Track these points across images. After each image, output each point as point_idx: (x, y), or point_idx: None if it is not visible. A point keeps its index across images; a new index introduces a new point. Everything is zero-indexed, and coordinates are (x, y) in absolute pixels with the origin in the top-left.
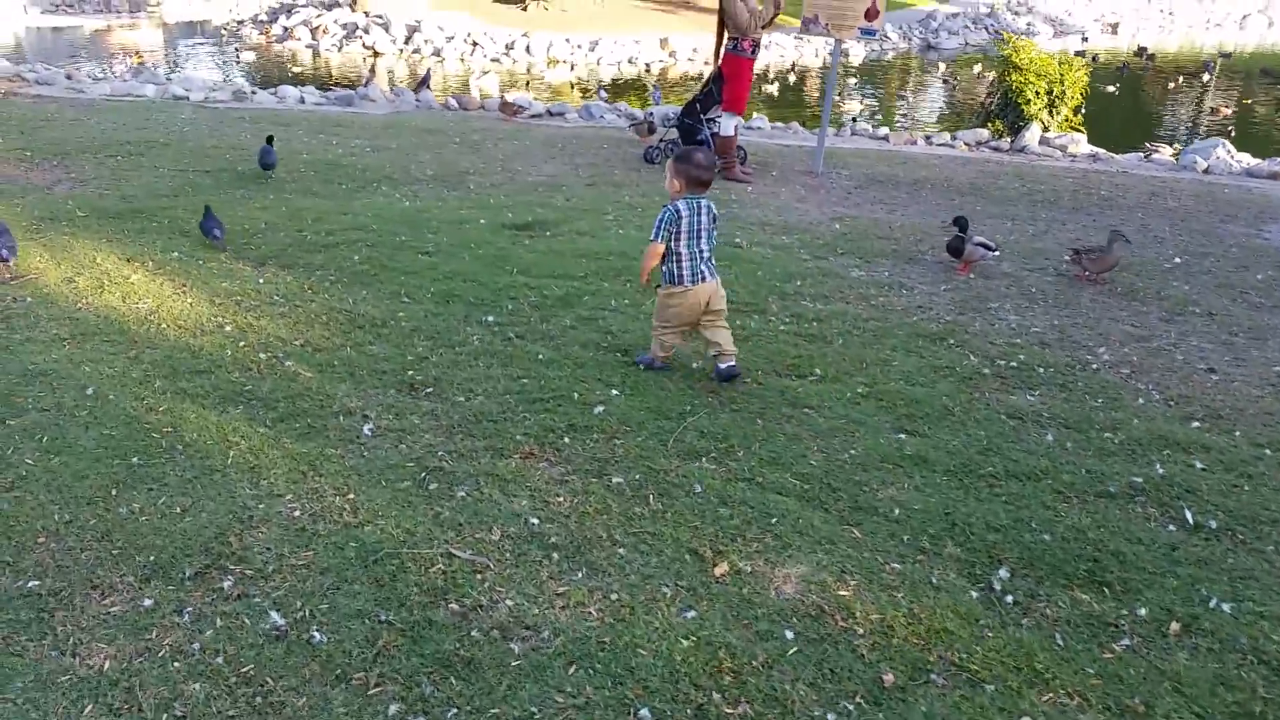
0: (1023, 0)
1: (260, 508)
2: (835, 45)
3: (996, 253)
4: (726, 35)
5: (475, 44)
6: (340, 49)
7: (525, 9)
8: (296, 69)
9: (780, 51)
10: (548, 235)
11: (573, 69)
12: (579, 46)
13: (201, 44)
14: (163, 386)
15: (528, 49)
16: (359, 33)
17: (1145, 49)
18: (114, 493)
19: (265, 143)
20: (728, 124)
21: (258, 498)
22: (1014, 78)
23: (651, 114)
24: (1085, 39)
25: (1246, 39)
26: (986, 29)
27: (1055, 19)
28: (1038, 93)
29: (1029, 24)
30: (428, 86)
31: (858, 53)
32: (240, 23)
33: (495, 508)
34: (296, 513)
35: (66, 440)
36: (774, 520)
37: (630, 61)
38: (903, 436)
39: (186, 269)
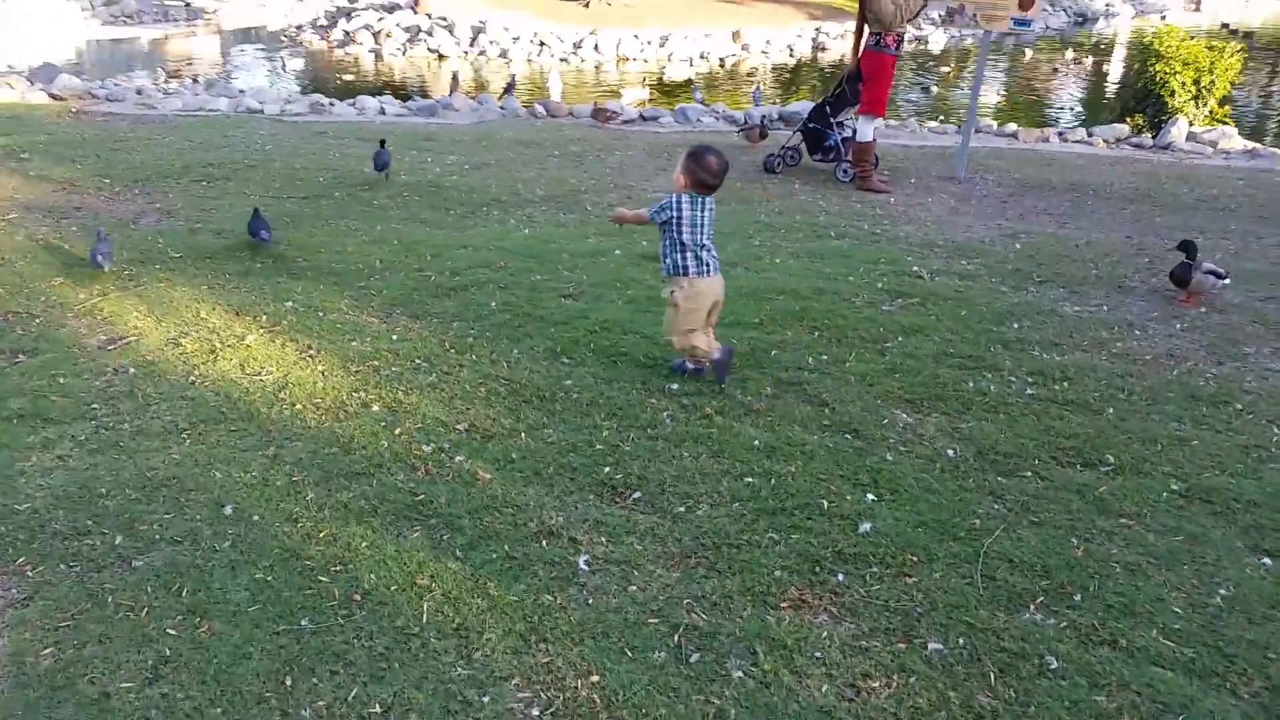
0: None
1: (485, 701)
2: (984, 38)
3: (1227, 281)
4: (867, 30)
5: (542, 44)
6: (404, 53)
7: (587, 5)
8: (349, 75)
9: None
10: None
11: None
12: (648, 42)
13: (256, 50)
14: (316, 499)
15: (596, 47)
16: (422, 36)
17: (1228, 24)
18: (288, 682)
19: (379, 145)
20: (866, 128)
21: (477, 683)
22: (1158, 67)
23: (761, 116)
24: (1164, 17)
25: None
26: (1065, 11)
27: None
28: (1184, 84)
29: (1108, 4)
30: (512, 94)
31: (938, 39)
32: (299, 28)
33: (791, 698)
34: (535, 711)
35: (212, 592)
36: (1177, 716)
37: (702, 56)
38: (1268, 562)
39: (306, 323)
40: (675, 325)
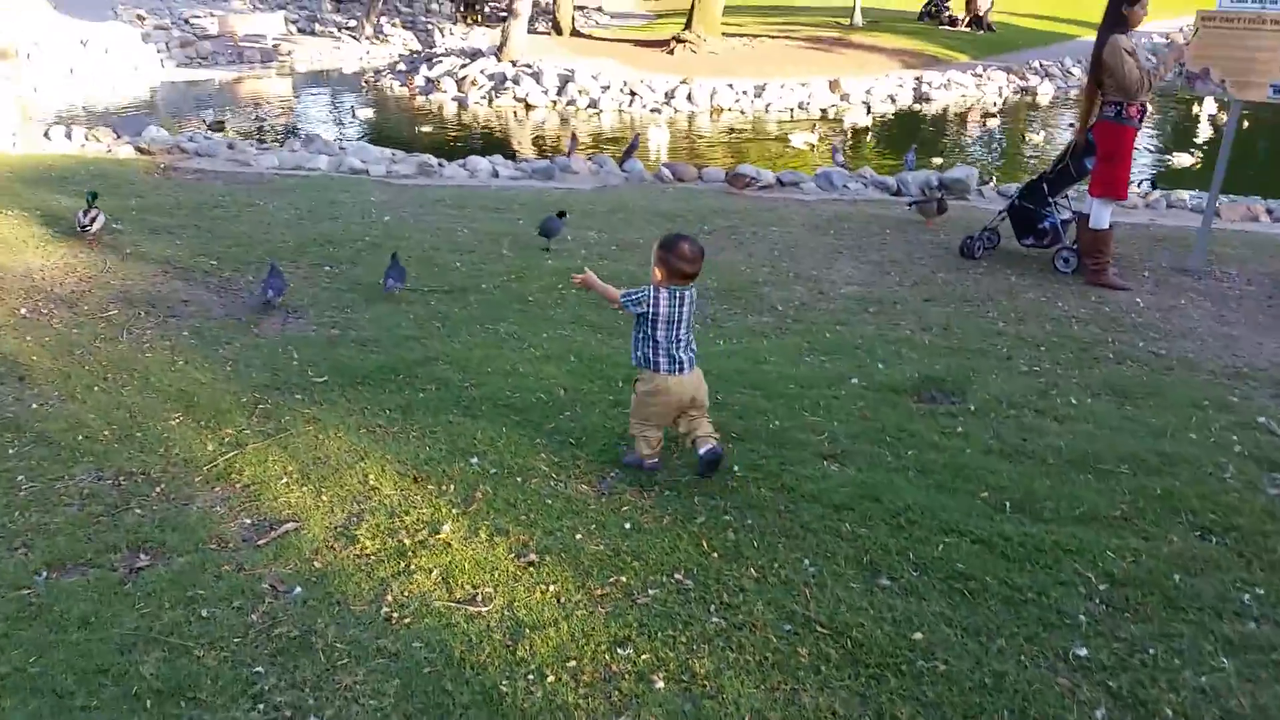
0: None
1: None
2: (1234, 107)
3: None
4: (1101, 97)
5: (633, 93)
6: (490, 101)
7: (671, 52)
8: (427, 126)
9: (960, 90)
10: (963, 407)
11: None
12: (744, 92)
13: (327, 94)
14: None
15: (689, 96)
16: (508, 84)
17: None
18: None
19: (556, 215)
20: (1102, 213)
21: None
22: None
23: (932, 184)
24: None
25: None
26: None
27: None
28: None
29: None
30: (634, 155)
31: (1046, 91)
32: (377, 73)
33: None
34: None
35: None
36: None
37: (801, 107)
38: None
39: (507, 498)
40: (633, 408)
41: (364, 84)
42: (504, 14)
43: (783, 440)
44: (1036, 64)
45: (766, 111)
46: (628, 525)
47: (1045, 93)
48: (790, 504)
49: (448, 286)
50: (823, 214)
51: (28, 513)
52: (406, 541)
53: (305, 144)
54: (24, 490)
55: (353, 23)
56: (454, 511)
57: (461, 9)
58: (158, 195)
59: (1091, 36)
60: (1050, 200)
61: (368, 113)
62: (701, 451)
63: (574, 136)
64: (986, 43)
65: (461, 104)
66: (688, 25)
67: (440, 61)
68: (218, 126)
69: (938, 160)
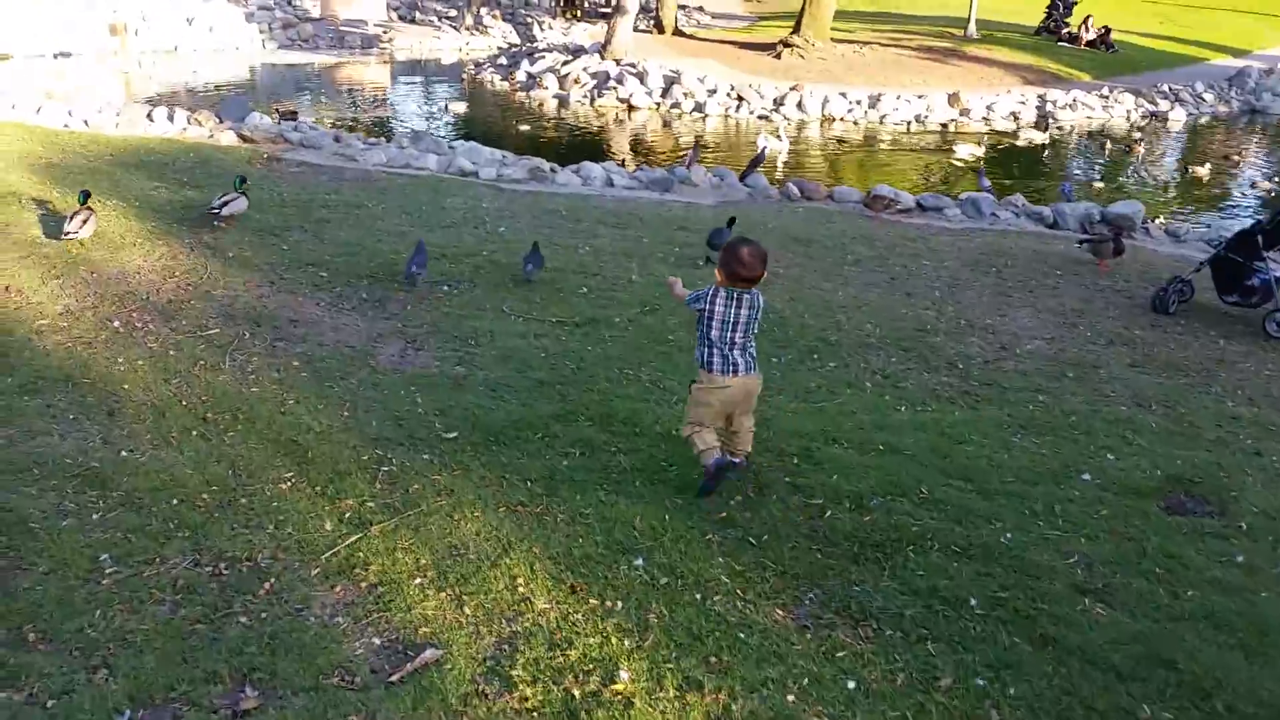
0: None
1: None
2: None
3: None
4: None
5: (740, 98)
6: (592, 101)
7: (779, 56)
8: (526, 124)
9: (1086, 111)
10: (1230, 525)
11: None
12: (857, 102)
13: (425, 84)
14: None
15: (799, 104)
16: (611, 83)
17: None
18: None
19: (726, 225)
20: None
21: None
22: None
23: (1103, 222)
24: None
25: None
26: None
27: None
28: None
29: None
30: (759, 168)
31: (1178, 117)
32: (477, 65)
33: None
34: None
35: None
36: None
37: (919, 120)
38: None
39: (694, 628)
40: (689, 407)
41: (463, 76)
42: (605, 10)
43: (1023, 563)
44: (1165, 87)
45: (881, 123)
46: (851, 684)
47: (1177, 119)
48: (1057, 664)
49: (577, 318)
50: (977, 247)
51: (110, 612)
52: (576, 692)
53: (414, 141)
54: (108, 576)
55: (453, 12)
56: (627, 645)
57: (561, 4)
58: (261, 190)
59: (1218, 59)
60: (1263, 255)
61: (463, 107)
62: (729, 458)
63: (696, 145)
64: (1107, 63)
65: (563, 102)
66: (796, 29)
67: (542, 57)
68: (289, 115)
69: (1092, 188)
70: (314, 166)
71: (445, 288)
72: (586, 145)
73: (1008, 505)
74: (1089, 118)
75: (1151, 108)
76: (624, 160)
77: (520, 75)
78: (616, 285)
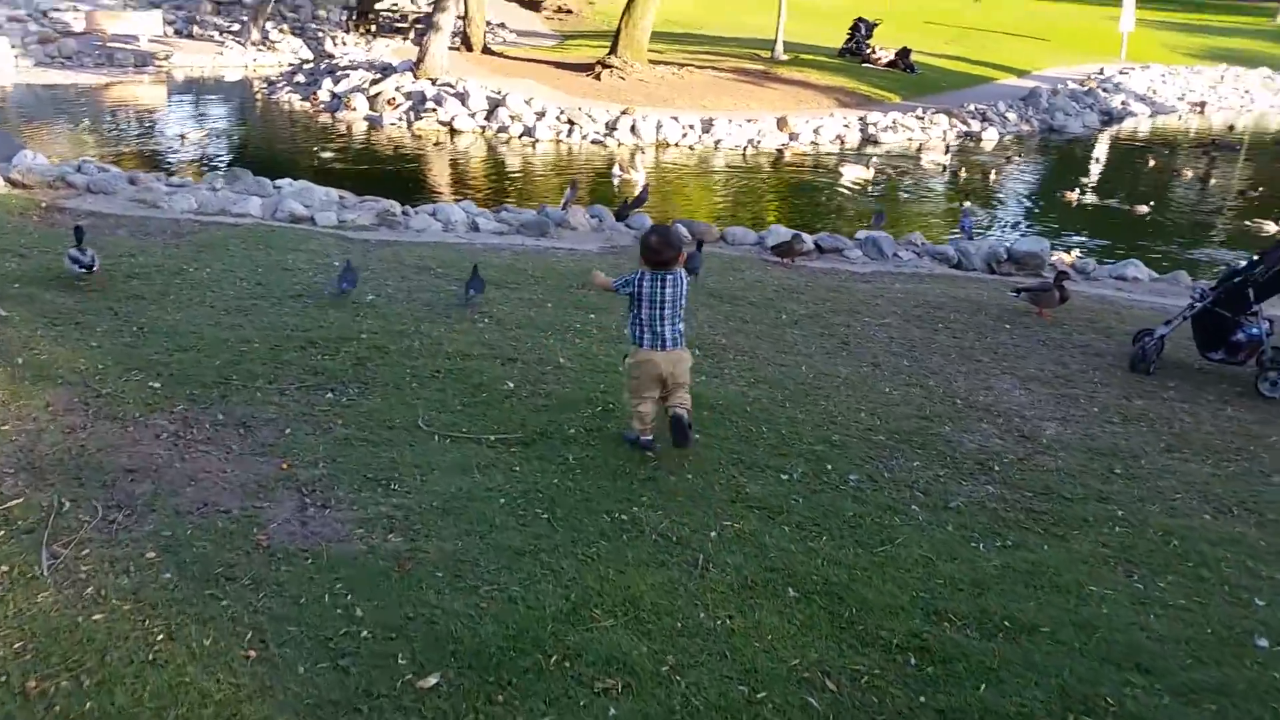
0: (1107, 78)
1: None
2: None
3: None
4: None
5: (571, 122)
6: (410, 123)
7: (599, 78)
8: (328, 150)
9: (906, 133)
10: None
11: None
12: (690, 127)
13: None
14: None
15: (633, 129)
16: (429, 105)
17: (1233, 128)
18: None
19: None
20: None
21: None
22: None
23: (1060, 273)
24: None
25: None
26: (1091, 109)
27: (1146, 97)
28: None
29: (1123, 102)
30: (641, 208)
31: (990, 136)
32: (272, 83)
33: None
34: None
35: None
36: None
37: (753, 145)
38: None
39: None
40: (625, 383)
41: (256, 95)
42: (401, 25)
43: None
44: (971, 107)
45: (716, 148)
46: None
47: (990, 138)
48: None
49: (520, 433)
50: (903, 297)
51: None
52: None
53: (230, 182)
54: None
55: (236, 27)
56: None
57: (354, 18)
58: (45, 254)
59: (1005, 79)
60: (1254, 308)
61: (253, 130)
62: (670, 415)
63: (574, 184)
64: (911, 84)
65: (375, 124)
66: (613, 50)
67: (347, 75)
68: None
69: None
70: (108, 218)
71: (328, 394)
72: (414, 176)
73: (1222, 713)
74: (909, 139)
75: (965, 128)
76: (469, 196)
77: (323, 95)
78: (545, 374)
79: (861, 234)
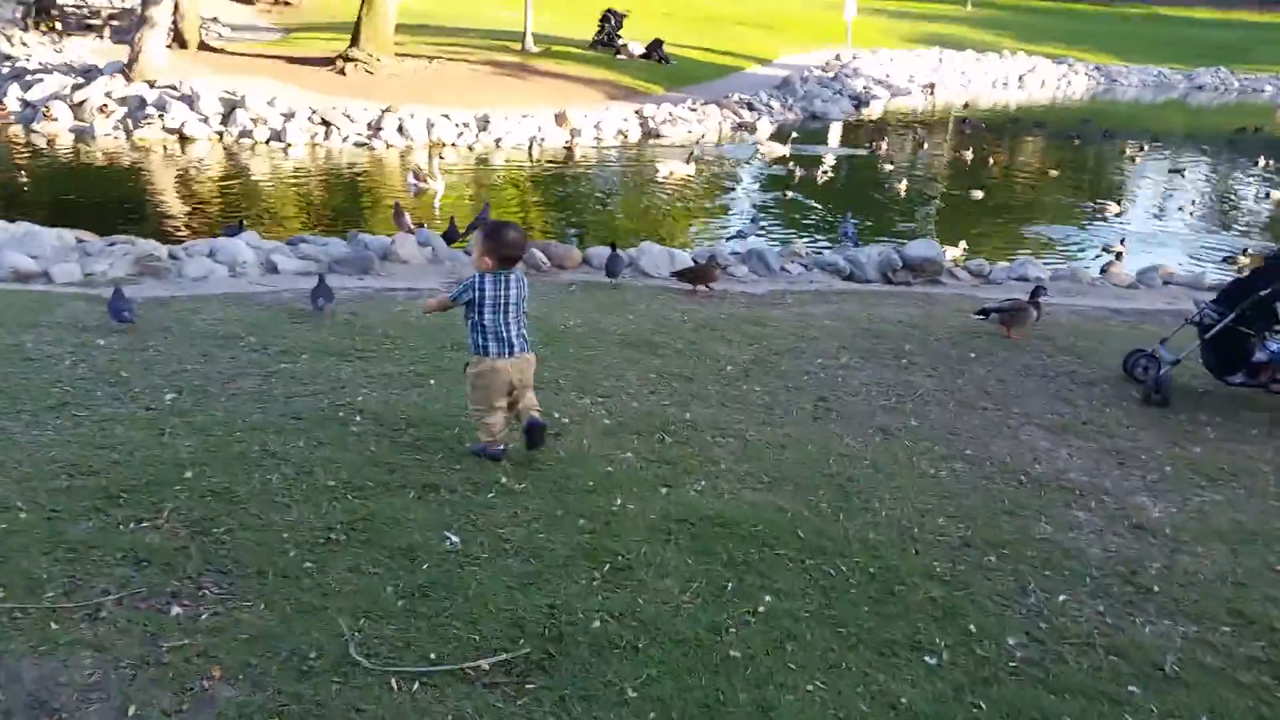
0: (845, 63)
1: None
2: None
3: None
4: None
5: (326, 123)
6: (129, 133)
7: (343, 72)
8: (37, 169)
9: (685, 126)
10: None
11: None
12: (465, 125)
13: None
14: None
15: (401, 128)
16: (149, 110)
17: (967, 105)
18: None
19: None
20: None
21: None
22: None
23: (1037, 287)
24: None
25: (1018, 97)
26: (840, 94)
27: (883, 81)
28: None
29: (865, 88)
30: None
31: (765, 126)
32: None
33: None
34: None
35: None
36: None
37: (537, 143)
38: None
39: None
40: (468, 393)
41: None
42: (92, 22)
43: None
44: (737, 97)
45: (497, 146)
46: None
47: (765, 128)
48: None
49: (521, 645)
50: (833, 324)
51: None
52: None
53: None
54: None
55: None
56: None
57: (33, 16)
58: None
59: (751, 67)
60: (1277, 327)
61: None
62: (525, 422)
63: (398, 208)
64: (668, 75)
65: (83, 136)
66: (354, 42)
67: (40, 80)
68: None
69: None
70: None
71: (174, 609)
72: (154, 199)
73: None
74: (689, 131)
75: (737, 119)
76: (244, 223)
77: (11, 103)
78: (492, 504)
79: (748, 247)
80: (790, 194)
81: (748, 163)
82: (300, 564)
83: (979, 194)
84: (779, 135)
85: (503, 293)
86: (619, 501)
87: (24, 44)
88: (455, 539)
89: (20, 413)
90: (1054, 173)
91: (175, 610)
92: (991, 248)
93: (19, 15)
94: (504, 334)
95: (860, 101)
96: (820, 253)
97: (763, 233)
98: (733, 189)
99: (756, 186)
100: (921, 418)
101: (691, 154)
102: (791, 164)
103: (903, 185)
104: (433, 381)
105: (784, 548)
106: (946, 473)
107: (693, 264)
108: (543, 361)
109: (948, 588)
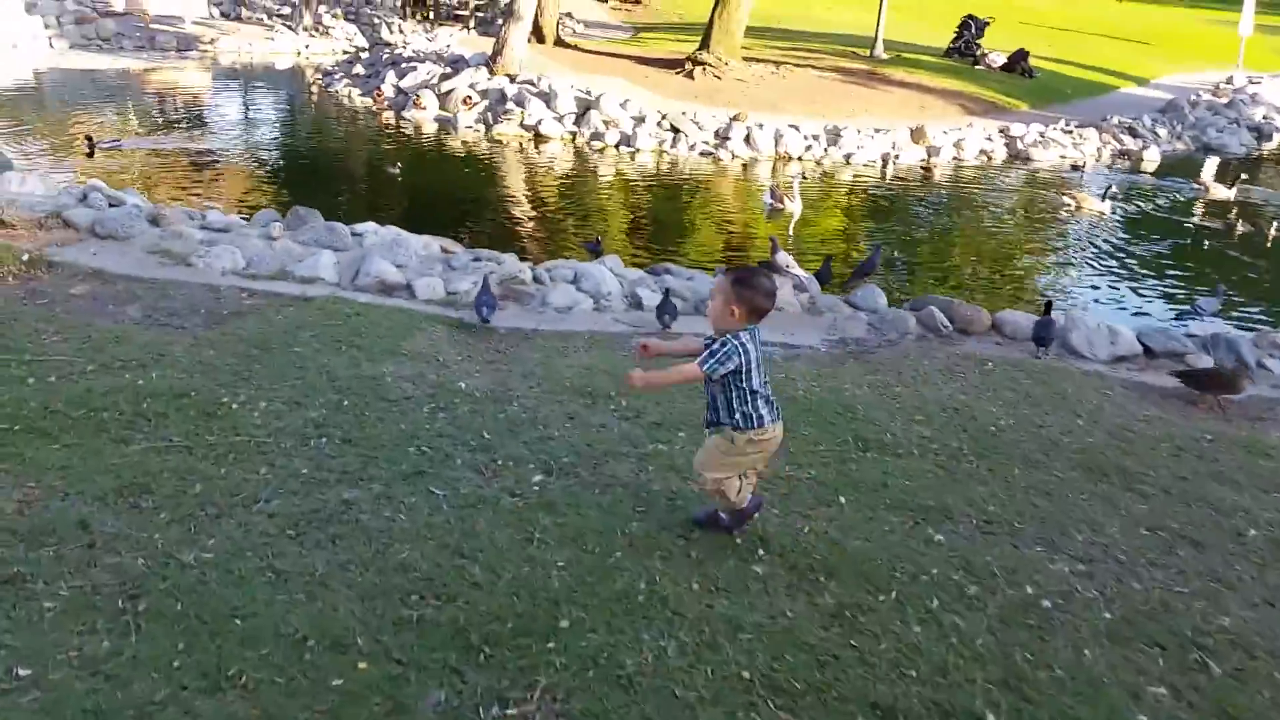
0: (1239, 88)
1: None
2: None
3: None
4: None
5: (675, 129)
6: (488, 127)
7: (690, 76)
8: (395, 164)
9: (1058, 149)
10: None
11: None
12: (814, 137)
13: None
14: None
15: (748, 139)
16: (509, 105)
17: None
18: None
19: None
20: None
21: None
22: None
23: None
24: None
25: None
26: (1237, 123)
27: None
28: None
29: (1266, 117)
30: (870, 274)
31: (1152, 156)
32: (327, 74)
33: None
34: None
35: None
36: None
37: (890, 160)
38: None
39: None
40: (715, 463)
41: (311, 87)
42: (460, 12)
43: None
44: (1116, 120)
45: (847, 163)
46: None
47: (1152, 158)
48: None
49: None
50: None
51: None
52: None
53: (292, 226)
54: None
55: (287, 10)
56: None
57: (410, 3)
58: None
59: (1126, 87)
60: None
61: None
62: (749, 503)
63: (774, 245)
64: (1033, 90)
65: (447, 126)
66: (704, 45)
67: (414, 68)
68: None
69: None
70: (115, 283)
71: None
72: (511, 201)
73: None
74: (1062, 156)
75: (1118, 145)
76: (602, 240)
77: (387, 90)
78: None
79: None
80: (1235, 254)
81: (1175, 202)
82: None
83: None
84: (1222, 175)
85: (757, 350)
86: None
87: (401, 31)
88: None
89: (373, 480)
90: None
91: None
92: None
93: (398, 3)
94: (771, 396)
95: (1261, 134)
96: None
97: (1220, 310)
98: (1158, 239)
99: (1188, 241)
100: None
101: (1109, 189)
102: (1234, 212)
103: None
104: (843, 499)
105: None
106: None
107: (1214, 366)
108: (982, 484)
109: None
